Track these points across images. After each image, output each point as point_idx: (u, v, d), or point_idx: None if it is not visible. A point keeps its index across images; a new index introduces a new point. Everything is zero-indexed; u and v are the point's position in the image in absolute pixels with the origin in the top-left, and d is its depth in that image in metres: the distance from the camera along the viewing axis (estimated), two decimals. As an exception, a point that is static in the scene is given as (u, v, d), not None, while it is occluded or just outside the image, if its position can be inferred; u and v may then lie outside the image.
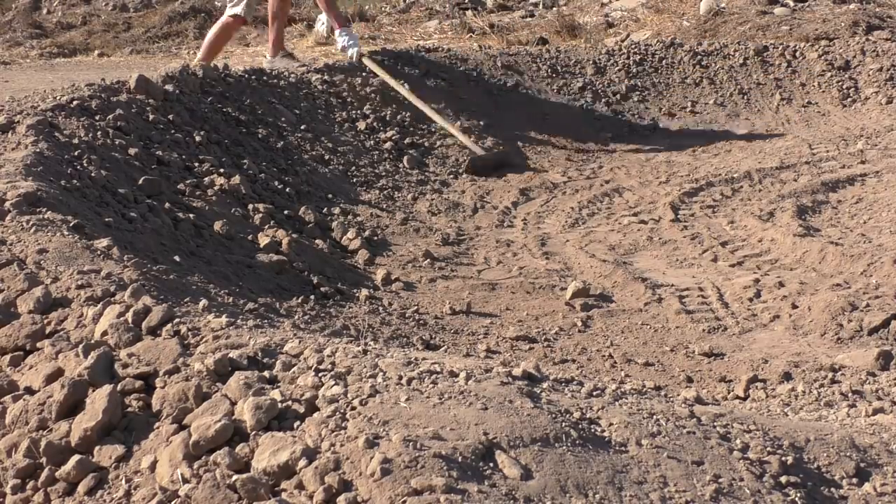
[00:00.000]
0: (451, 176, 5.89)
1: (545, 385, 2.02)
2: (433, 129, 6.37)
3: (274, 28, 6.88)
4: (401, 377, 1.92)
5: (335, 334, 2.88)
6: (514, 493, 1.58)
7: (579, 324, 3.58)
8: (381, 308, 3.63)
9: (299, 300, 3.41)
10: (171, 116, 4.95)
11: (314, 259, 4.03)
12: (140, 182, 4.00)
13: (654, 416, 1.87)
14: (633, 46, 7.99)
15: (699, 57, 7.83)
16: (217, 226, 3.95)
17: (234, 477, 1.69)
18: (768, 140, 6.71)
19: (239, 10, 6.47)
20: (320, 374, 1.96)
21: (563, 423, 1.78)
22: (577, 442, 1.73)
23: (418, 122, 6.43)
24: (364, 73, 6.76)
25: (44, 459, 1.91)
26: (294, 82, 6.32)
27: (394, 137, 6.10)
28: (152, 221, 3.65)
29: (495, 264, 4.33)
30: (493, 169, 5.96)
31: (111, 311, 2.29)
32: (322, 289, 3.71)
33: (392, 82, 6.44)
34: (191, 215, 3.94)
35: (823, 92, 7.59)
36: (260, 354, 2.08)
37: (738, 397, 2.88)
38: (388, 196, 5.31)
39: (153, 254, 3.30)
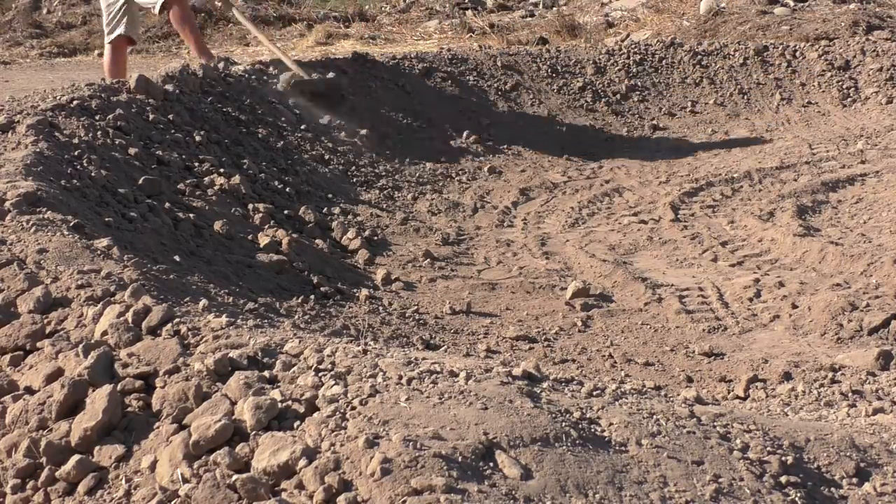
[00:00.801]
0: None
1: (545, 385, 2.02)
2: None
3: (192, 37, 6.36)
4: (401, 377, 1.92)
5: (335, 334, 2.88)
6: (514, 492, 1.58)
7: (579, 324, 3.58)
8: (381, 308, 3.63)
9: (299, 300, 3.41)
10: (171, 116, 4.95)
11: (314, 259, 4.03)
12: (140, 182, 4.00)
13: (654, 416, 1.87)
14: (633, 46, 7.99)
15: (699, 57, 7.83)
16: (217, 226, 3.95)
17: (234, 477, 1.69)
18: (768, 140, 6.71)
19: (121, 30, 6.09)
20: (320, 374, 1.96)
21: (563, 423, 1.78)
22: (577, 442, 1.73)
23: (419, 121, 6.43)
24: (357, 74, 6.76)
25: (44, 459, 1.91)
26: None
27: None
28: (152, 221, 3.65)
29: (495, 264, 4.33)
30: (315, 95, 6.19)
31: (111, 310, 2.29)
32: (322, 289, 3.70)
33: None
34: (191, 215, 3.94)
35: (823, 92, 7.59)
36: (260, 354, 2.08)
37: (738, 397, 2.88)
38: (388, 196, 5.31)
39: (153, 254, 3.30)
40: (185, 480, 1.73)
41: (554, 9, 11.80)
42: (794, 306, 3.62)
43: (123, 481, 1.83)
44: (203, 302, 2.53)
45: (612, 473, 1.66)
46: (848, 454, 1.87)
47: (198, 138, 4.86)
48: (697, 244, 4.54)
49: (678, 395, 2.41)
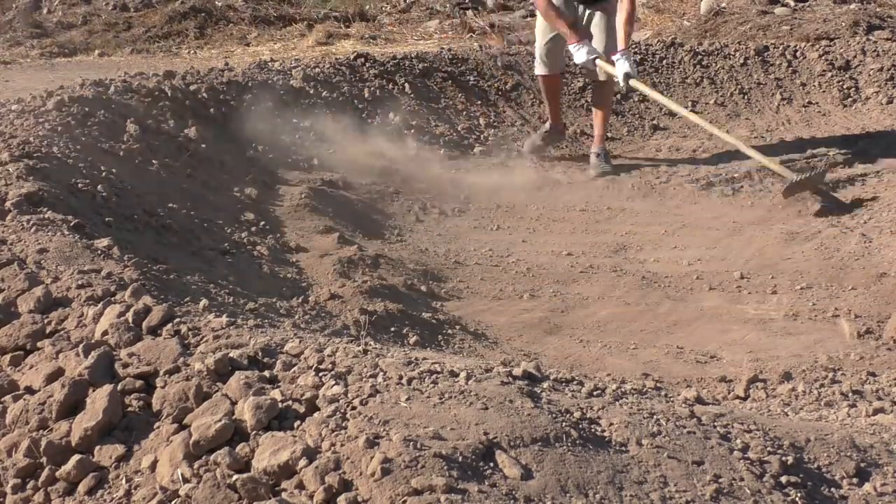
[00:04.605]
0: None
1: (545, 385, 2.02)
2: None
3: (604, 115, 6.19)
4: (401, 377, 1.92)
5: (335, 334, 2.88)
6: (514, 492, 1.58)
7: (579, 324, 3.58)
8: (381, 308, 3.62)
9: (299, 300, 3.41)
10: (170, 115, 4.95)
11: (314, 259, 4.02)
12: (141, 181, 4.00)
13: (655, 416, 1.87)
14: (633, 46, 7.98)
15: (700, 57, 7.82)
16: (218, 226, 3.95)
17: (235, 476, 1.69)
18: (769, 140, 6.70)
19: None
20: (321, 374, 1.96)
21: (564, 423, 1.78)
22: (578, 442, 1.73)
23: (421, 121, 6.43)
24: (361, 77, 6.77)
25: (44, 459, 1.91)
26: (294, 86, 6.32)
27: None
28: (153, 222, 3.65)
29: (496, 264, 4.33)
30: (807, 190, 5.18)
31: (111, 310, 2.29)
32: (322, 288, 3.70)
33: (669, 103, 6.04)
34: (192, 213, 3.95)
35: (824, 92, 7.58)
36: (260, 354, 2.08)
37: (738, 397, 2.88)
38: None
39: (154, 254, 3.30)
40: (186, 480, 1.73)
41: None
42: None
43: (124, 481, 1.83)
44: (203, 302, 2.53)
45: (613, 473, 1.66)
46: (848, 454, 1.87)
47: (197, 136, 4.86)
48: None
49: (678, 395, 2.41)
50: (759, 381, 2.97)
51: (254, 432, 1.79)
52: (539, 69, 6.21)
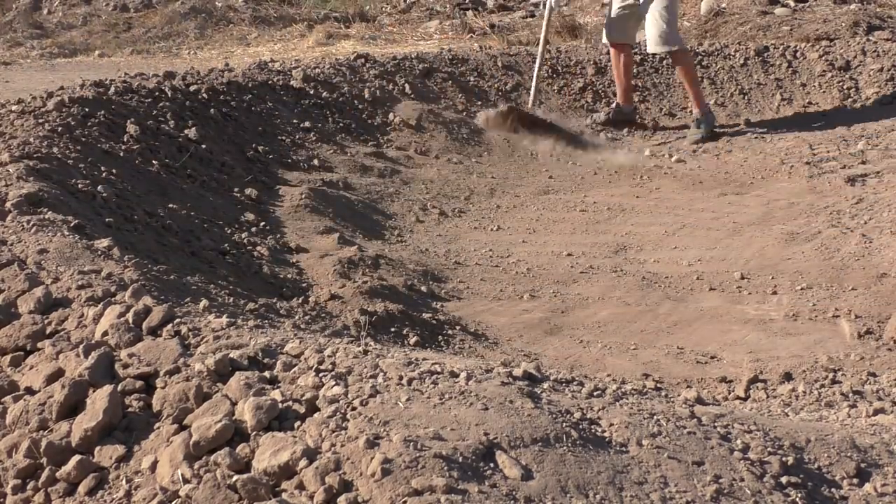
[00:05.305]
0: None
1: (546, 385, 2.02)
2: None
3: (693, 90, 6.82)
4: (401, 377, 1.92)
5: (335, 334, 2.88)
6: (514, 493, 1.58)
7: (580, 324, 3.58)
8: (381, 308, 3.62)
9: (299, 300, 3.42)
10: (170, 115, 4.95)
11: (315, 259, 4.02)
12: (141, 182, 4.00)
13: (655, 417, 1.87)
14: (634, 46, 7.98)
15: (700, 57, 7.82)
16: (219, 227, 3.95)
17: (235, 477, 1.69)
18: (769, 140, 6.71)
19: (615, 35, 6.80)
20: (321, 375, 1.96)
21: (564, 424, 1.78)
22: (578, 442, 1.73)
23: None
24: (361, 77, 6.77)
25: (44, 460, 1.91)
26: (294, 86, 6.32)
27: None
28: (153, 222, 3.65)
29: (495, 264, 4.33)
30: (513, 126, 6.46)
31: (112, 311, 2.29)
32: (322, 289, 3.70)
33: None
34: (192, 214, 3.95)
35: (824, 92, 7.58)
36: (260, 354, 2.08)
37: (738, 398, 2.88)
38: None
39: (154, 254, 3.30)
40: (186, 481, 1.73)
41: (555, 9, 11.79)
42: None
43: (124, 482, 1.83)
44: (203, 302, 2.53)
45: (613, 474, 1.66)
46: (848, 455, 1.87)
47: (197, 137, 4.86)
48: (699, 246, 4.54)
49: (679, 395, 2.41)
50: (759, 381, 2.97)
51: (254, 433, 1.79)
52: (603, 37, 6.92)
